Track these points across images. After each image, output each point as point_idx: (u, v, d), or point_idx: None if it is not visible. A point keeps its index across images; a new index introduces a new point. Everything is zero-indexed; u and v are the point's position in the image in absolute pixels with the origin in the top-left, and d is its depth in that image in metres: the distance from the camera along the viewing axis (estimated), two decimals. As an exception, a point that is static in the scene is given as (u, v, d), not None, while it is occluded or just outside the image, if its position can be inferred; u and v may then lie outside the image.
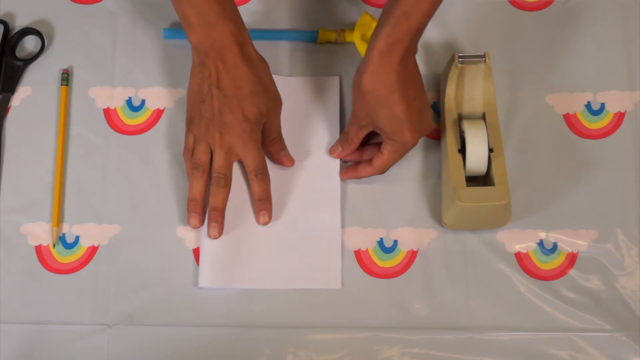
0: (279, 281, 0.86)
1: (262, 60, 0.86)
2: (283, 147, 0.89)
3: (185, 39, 0.84)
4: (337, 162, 0.90)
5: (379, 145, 0.85)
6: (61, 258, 0.88)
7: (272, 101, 0.86)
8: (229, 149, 0.84)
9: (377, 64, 0.79)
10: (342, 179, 0.89)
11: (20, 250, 0.88)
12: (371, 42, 0.80)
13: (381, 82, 0.80)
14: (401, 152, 0.84)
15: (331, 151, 0.89)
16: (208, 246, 0.86)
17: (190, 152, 0.86)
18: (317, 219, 0.88)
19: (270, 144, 0.88)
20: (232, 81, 0.83)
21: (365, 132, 0.86)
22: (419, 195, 0.89)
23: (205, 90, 0.84)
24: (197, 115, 0.85)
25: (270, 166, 0.88)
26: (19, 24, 0.96)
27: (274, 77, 0.87)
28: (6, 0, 0.97)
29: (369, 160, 0.86)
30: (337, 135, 0.91)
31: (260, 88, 0.84)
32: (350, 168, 0.89)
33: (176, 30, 0.94)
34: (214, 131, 0.84)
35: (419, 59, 0.93)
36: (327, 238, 0.87)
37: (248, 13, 0.96)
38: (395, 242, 0.88)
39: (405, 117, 0.81)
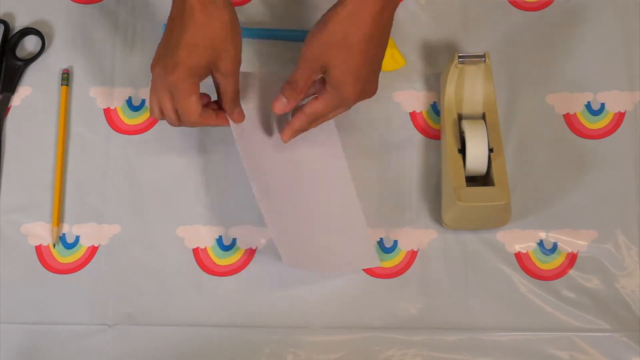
0: (321, 264, 0.85)
1: (225, 8, 0.78)
2: (238, 105, 0.83)
3: None
4: (339, 146, 0.88)
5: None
6: (61, 258, 0.88)
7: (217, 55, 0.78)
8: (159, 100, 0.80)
9: (354, 6, 0.75)
10: (285, 142, 0.83)
11: (20, 250, 0.88)
12: None
13: (353, 28, 0.76)
14: (336, 106, 0.80)
15: (275, 107, 0.81)
16: (278, 229, 0.83)
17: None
18: (335, 206, 0.86)
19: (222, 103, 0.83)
20: (180, 28, 0.77)
21: (315, 77, 0.80)
22: (419, 195, 0.89)
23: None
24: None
25: (279, 161, 0.86)
26: (19, 24, 0.96)
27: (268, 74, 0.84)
28: (6, 0, 0.97)
29: (301, 108, 0.81)
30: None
31: (205, 39, 0.77)
32: (287, 126, 0.83)
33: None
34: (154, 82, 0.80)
35: (420, 58, 0.94)
36: (351, 222, 0.86)
37: (248, 13, 0.96)
38: (395, 242, 0.88)
39: (356, 72, 0.78)
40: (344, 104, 0.81)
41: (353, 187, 0.87)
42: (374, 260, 0.86)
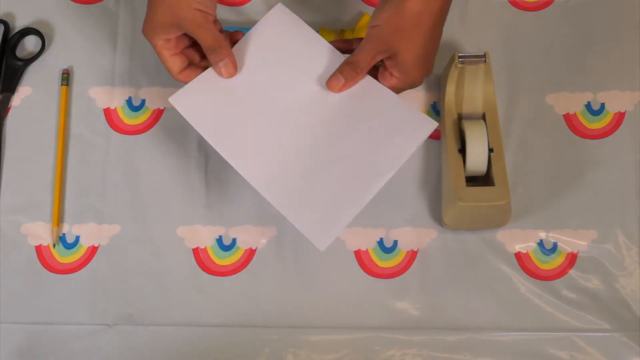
0: (279, 199, 0.76)
1: None
2: (221, 57, 0.79)
3: None
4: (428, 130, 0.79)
5: None
6: (61, 258, 0.88)
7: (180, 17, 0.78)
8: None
9: None
10: (336, 92, 0.79)
11: (20, 250, 0.88)
12: None
13: (426, 13, 0.76)
14: (402, 90, 0.80)
15: (332, 86, 0.79)
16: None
17: None
18: (365, 165, 0.77)
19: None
20: None
21: (378, 59, 0.79)
22: (419, 195, 0.89)
23: None
24: None
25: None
26: (19, 24, 0.96)
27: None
28: (6, 0, 0.97)
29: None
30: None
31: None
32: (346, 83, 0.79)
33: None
34: None
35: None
36: (354, 191, 0.77)
37: (248, 13, 0.96)
38: (395, 242, 0.88)
39: (426, 56, 0.78)
40: (410, 87, 0.81)
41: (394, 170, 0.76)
42: (322, 242, 0.75)
